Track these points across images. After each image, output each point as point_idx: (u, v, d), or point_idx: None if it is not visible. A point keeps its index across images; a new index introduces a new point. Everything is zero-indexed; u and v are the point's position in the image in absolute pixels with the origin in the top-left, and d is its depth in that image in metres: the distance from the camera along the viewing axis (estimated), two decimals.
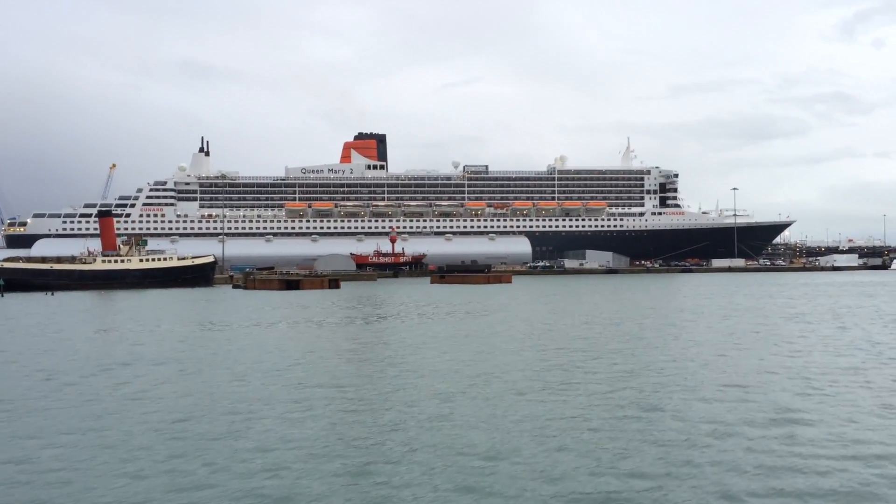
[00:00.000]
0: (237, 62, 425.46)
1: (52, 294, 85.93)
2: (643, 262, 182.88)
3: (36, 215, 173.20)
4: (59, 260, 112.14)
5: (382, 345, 32.18)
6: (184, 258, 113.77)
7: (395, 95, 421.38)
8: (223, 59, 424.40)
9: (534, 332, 36.83)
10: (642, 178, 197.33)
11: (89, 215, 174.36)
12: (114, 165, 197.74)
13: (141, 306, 64.26)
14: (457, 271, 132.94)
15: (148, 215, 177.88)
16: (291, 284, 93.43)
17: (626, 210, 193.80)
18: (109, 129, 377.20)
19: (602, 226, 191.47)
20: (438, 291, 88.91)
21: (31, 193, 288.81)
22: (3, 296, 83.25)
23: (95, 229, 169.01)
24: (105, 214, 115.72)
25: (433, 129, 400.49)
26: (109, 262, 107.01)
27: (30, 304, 70.40)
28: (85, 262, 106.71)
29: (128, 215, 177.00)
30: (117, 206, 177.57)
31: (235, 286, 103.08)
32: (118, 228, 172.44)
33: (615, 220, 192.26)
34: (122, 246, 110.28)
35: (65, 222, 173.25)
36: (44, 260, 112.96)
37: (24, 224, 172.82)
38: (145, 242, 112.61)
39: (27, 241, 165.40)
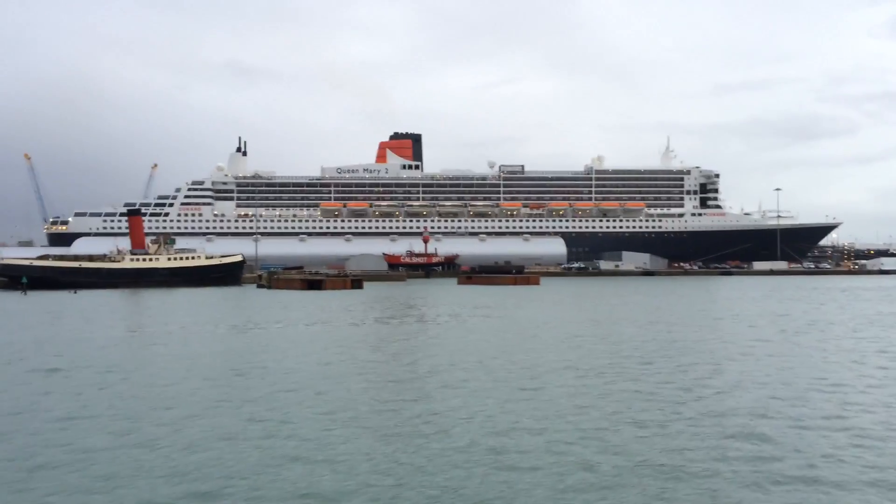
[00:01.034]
0: (277, 62, 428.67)
1: (76, 292, 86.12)
2: (682, 264, 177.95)
3: (77, 214, 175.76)
4: (91, 258, 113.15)
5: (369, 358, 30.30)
6: (211, 257, 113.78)
7: (433, 95, 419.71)
8: (264, 59, 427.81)
9: (513, 342, 34.61)
10: (682, 179, 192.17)
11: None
12: (155, 165, 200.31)
13: (154, 305, 63.62)
14: (490, 272, 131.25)
15: (186, 215, 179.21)
16: (313, 284, 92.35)
17: (665, 211, 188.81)
18: (154, 129, 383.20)
19: (640, 227, 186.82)
20: (462, 293, 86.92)
21: (76, 193, 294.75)
22: (26, 293, 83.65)
23: None
24: (134, 213, 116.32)
25: (471, 129, 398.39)
26: (138, 260, 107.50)
27: (49, 302, 70.38)
28: (114, 261, 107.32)
29: (166, 214, 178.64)
30: (156, 205, 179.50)
31: (260, 286, 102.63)
32: (157, 227, 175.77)
33: (654, 221, 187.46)
34: (150, 244, 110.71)
35: (105, 221, 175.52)
36: (76, 258, 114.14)
37: (66, 223, 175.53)
38: (173, 241, 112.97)
39: (68, 239, 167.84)
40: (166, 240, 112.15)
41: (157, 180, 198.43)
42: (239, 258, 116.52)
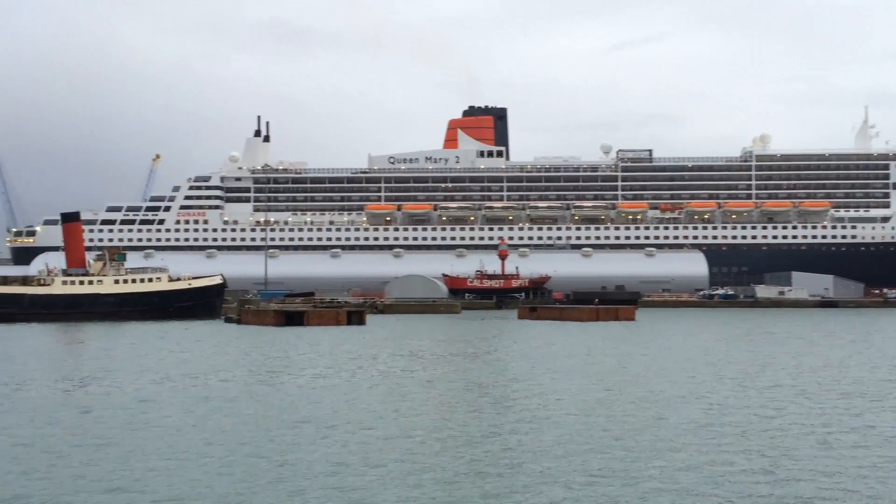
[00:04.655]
0: (330, 22, 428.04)
1: None
2: (884, 290, 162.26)
3: (47, 222, 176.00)
4: (24, 281, 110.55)
5: None
6: (178, 279, 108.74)
7: (532, 61, 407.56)
8: (314, 17, 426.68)
9: None
10: (887, 167, 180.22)
11: (112, 222, 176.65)
12: (157, 157, 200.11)
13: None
14: (594, 300, 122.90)
15: (186, 221, 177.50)
16: (293, 318, 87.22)
17: (861, 213, 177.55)
18: (167, 111, 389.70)
19: (823, 236, 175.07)
20: (513, 334, 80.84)
21: (60, 195, 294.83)
22: None
23: (120, 240, 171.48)
24: (70, 219, 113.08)
25: (586, 106, 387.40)
26: (73, 283, 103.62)
27: None
28: (41, 284, 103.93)
29: (161, 222, 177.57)
30: (148, 209, 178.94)
31: (228, 319, 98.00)
32: (150, 239, 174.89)
33: (843, 227, 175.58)
34: (92, 262, 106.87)
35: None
36: (5, 281, 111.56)
37: (33, 234, 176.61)
38: (123, 257, 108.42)
39: (34, 254, 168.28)
40: (114, 255, 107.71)
41: (161, 176, 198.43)
42: (217, 281, 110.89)
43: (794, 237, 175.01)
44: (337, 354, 56.56)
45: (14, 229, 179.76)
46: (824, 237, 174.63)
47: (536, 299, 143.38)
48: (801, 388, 39.53)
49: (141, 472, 22.57)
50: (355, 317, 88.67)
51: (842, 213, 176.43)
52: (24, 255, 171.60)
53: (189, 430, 28.74)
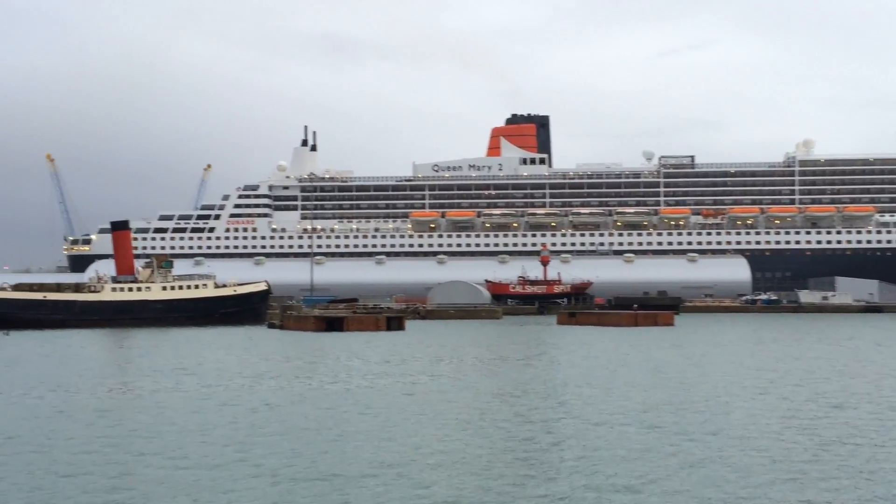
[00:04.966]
0: (378, 33, 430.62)
1: (8, 334, 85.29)
2: None
3: (102, 231, 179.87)
4: (77, 288, 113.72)
5: None
6: (223, 286, 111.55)
7: (576, 69, 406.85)
8: (367, 30, 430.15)
9: None
10: None
11: (164, 230, 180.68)
12: (209, 166, 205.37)
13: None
14: (623, 307, 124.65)
15: (235, 229, 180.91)
16: (333, 324, 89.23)
17: None
18: (219, 120, 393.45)
19: (867, 241, 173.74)
20: (549, 338, 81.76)
21: (115, 203, 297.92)
22: None
23: (172, 248, 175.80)
24: (120, 227, 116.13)
25: (630, 113, 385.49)
26: (122, 290, 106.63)
27: None
28: (91, 291, 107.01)
29: (211, 230, 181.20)
30: (199, 218, 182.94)
31: (271, 325, 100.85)
32: (200, 247, 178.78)
33: (888, 232, 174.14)
34: (140, 269, 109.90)
35: (135, 239, 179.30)
36: (59, 287, 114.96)
37: (88, 242, 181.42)
38: (170, 264, 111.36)
39: (90, 261, 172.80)
40: (161, 262, 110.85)
41: (212, 185, 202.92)
42: (262, 287, 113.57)
43: (839, 242, 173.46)
44: (365, 359, 57.74)
45: (71, 238, 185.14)
46: (869, 242, 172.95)
47: (578, 305, 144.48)
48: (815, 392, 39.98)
49: (140, 479, 22.30)
50: (394, 322, 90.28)
51: (886, 217, 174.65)
52: (80, 263, 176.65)
53: (191, 435, 28.56)
